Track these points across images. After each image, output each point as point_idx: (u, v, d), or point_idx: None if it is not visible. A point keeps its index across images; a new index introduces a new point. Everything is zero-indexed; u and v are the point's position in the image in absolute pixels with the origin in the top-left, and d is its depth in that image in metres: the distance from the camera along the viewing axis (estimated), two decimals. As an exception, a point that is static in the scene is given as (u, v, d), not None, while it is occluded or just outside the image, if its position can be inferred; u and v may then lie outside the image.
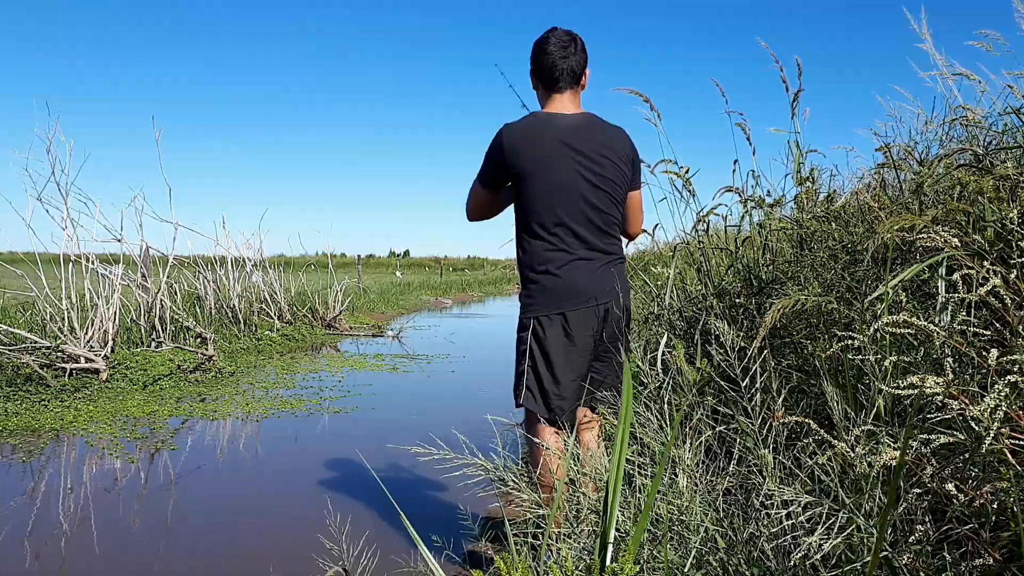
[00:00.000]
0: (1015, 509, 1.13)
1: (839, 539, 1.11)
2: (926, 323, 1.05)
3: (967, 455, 1.15)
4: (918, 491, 1.22)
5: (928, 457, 1.19)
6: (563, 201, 2.10)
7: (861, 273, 2.01)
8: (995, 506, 1.13)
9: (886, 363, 1.17)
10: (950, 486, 1.10)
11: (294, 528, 2.73)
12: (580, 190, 2.10)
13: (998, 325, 1.20)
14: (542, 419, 2.11)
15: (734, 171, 2.79)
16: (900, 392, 0.98)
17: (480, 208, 2.32)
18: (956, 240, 1.21)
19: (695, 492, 1.43)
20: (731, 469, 1.50)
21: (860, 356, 1.32)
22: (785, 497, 1.14)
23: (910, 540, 1.19)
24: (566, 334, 2.09)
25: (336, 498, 2.95)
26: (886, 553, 1.18)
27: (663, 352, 2.09)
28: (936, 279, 1.48)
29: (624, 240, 2.35)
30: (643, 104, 2.64)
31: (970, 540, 1.17)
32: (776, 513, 1.23)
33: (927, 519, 1.20)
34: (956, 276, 1.18)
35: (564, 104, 2.17)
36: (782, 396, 1.48)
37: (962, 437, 1.08)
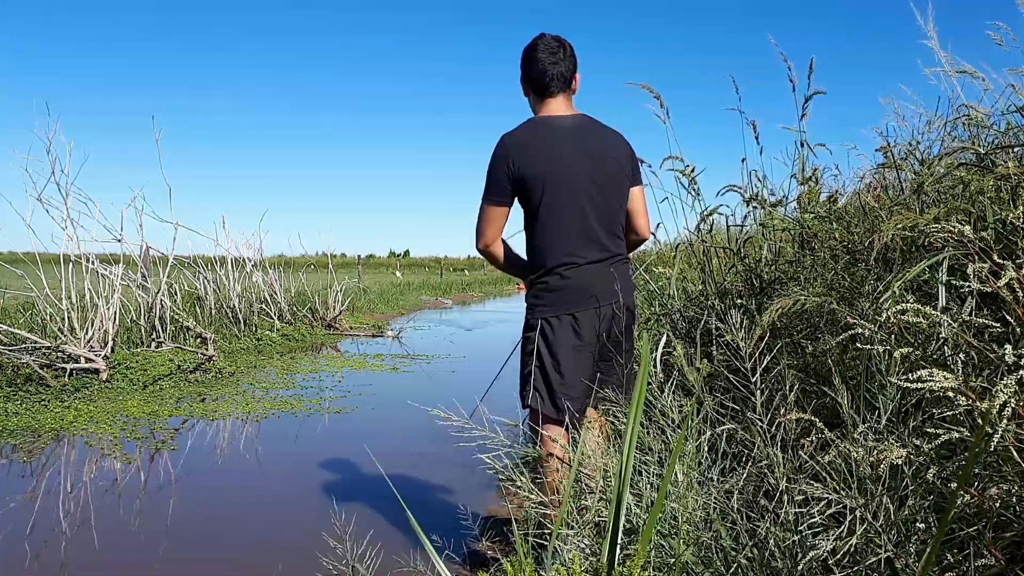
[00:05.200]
0: (1018, 508, 1.12)
1: (853, 540, 1.11)
2: (935, 313, 1.04)
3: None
4: (921, 490, 1.22)
5: (932, 456, 1.19)
6: (569, 202, 2.10)
7: (862, 273, 2.01)
8: (998, 505, 1.13)
9: (896, 354, 1.16)
10: (954, 485, 1.09)
11: (294, 528, 2.72)
12: (585, 190, 2.10)
13: (1008, 318, 1.19)
14: (549, 419, 2.11)
15: (743, 170, 2.79)
16: (909, 386, 0.97)
17: (495, 228, 2.19)
18: (968, 230, 1.21)
19: (699, 489, 1.43)
20: (736, 467, 1.50)
21: (868, 347, 1.31)
22: (814, 492, 1.14)
23: (912, 540, 1.19)
24: (576, 334, 2.10)
25: (336, 498, 2.95)
26: (888, 554, 1.17)
27: (663, 352, 2.09)
28: (936, 280, 1.48)
29: (634, 241, 2.33)
30: (650, 101, 2.64)
31: (973, 540, 1.17)
32: (785, 514, 1.22)
33: (930, 519, 1.20)
34: (969, 269, 1.17)
35: (558, 107, 2.17)
36: (793, 393, 1.47)
37: (967, 434, 1.08)
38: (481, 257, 2.33)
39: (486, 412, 1.71)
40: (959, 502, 1.12)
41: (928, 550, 0.98)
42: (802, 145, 2.55)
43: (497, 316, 12.60)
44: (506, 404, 2.56)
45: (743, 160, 2.72)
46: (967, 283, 1.16)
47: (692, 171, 2.65)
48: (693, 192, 2.71)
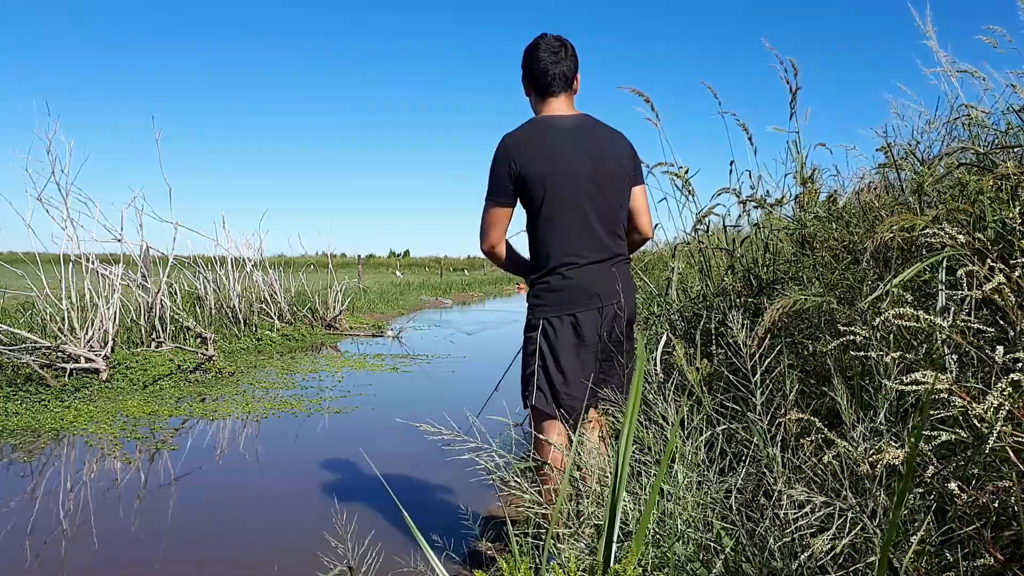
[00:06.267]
0: (1016, 508, 1.12)
1: (847, 539, 1.11)
2: (931, 317, 1.05)
3: (969, 453, 1.14)
4: (920, 490, 1.22)
5: (930, 456, 1.19)
6: (570, 202, 2.10)
7: (862, 273, 2.01)
8: (996, 505, 1.13)
9: (887, 359, 1.16)
10: (952, 485, 1.09)
11: (294, 528, 2.72)
12: (586, 189, 2.10)
13: (1002, 323, 1.19)
14: (551, 418, 2.11)
15: (731, 172, 2.80)
16: (905, 388, 0.97)
17: (499, 229, 2.18)
18: (962, 237, 1.21)
19: (699, 489, 1.43)
20: (735, 467, 1.50)
21: (863, 352, 1.31)
22: (801, 498, 1.14)
23: (912, 540, 1.19)
24: (576, 334, 2.10)
25: (336, 498, 2.95)
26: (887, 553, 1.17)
27: (663, 352, 2.09)
28: (936, 281, 1.48)
29: (637, 240, 2.34)
30: (644, 104, 2.65)
31: (971, 540, 1.17)
32: (784, 514, 1.22)
33: (929, 519, 1.20)
34: (960, 272, 1.17)
35: (560, 107, 2.17)
36: (793, 393, 1.47)
37: (964, 435, 1.08)
38: (481, 257, 2.33)
39: (478, 424, 1.72)
40: (958, 502, 1.12)
41: (891, 522, 0.99)
42: (796, 145, 2.56)
43: (498, 316, 12.60)
44: (506, 402, 2.56)
45: (731, 163, 2.73)
46: (960, 289, 1.16)
47: (686, 173, 2.65)
48: (687, 193, 2.72)
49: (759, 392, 1.49)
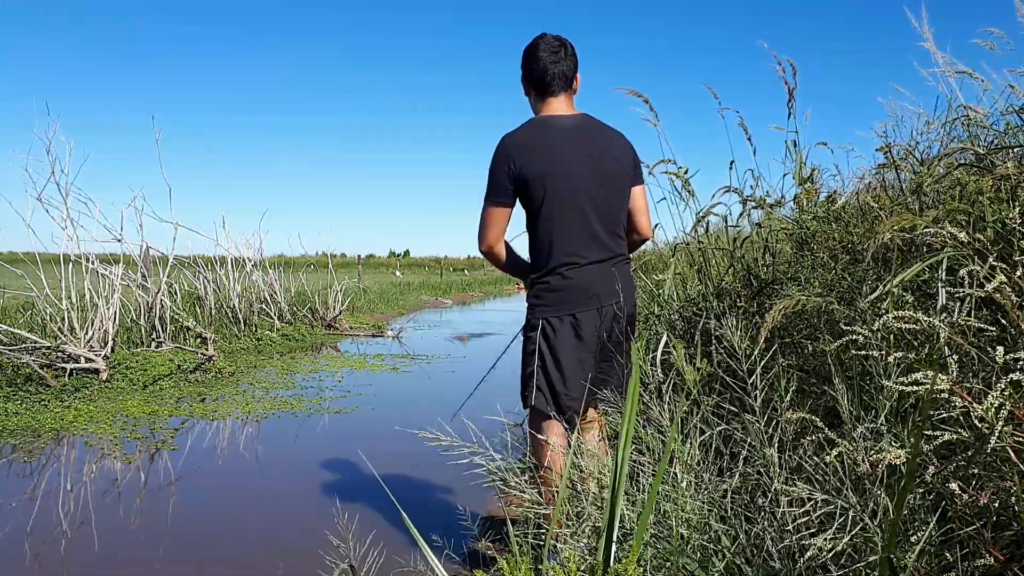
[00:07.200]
0: (1016, 508, 1.13)
1: (846, 539, 1.11)
2: (931, 319, 1.05)
3: (970, 454, 1.15)
4: (920, 490, 1.22)
5: (930, 456, 1.19)
6: (570, 202, 2.10)
7: (861, 273, 2.01)
8: (996, 505, 1.13)
9: (890, 359, 1.17)
10: (953, 485, 1.09)
11: (295, 528, 2.72)
12: (586, 189, 2.10)
13: (1004, 322, 1.20)
14: (550, 418, 2.11)
15: (731, 170, 2.81)
16: (906, 388, 0.98)
17: (498, 230, 2.17)
18: (963, 235, 1.21)
19: (697, 490, 1.43)
20: (734, 468, 1.50)
21: (864, 352, 1.32)
22: (800, 495, 1.14)
23: (912, 540, 1.19)
24: (576, 334, 2.10)
25: (336, 498, 2.95)
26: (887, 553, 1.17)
27: (662, 352, 2.09)
28: (936, 280, 1.48)
29: (637, 241, 2.34)
30: (642, 104, 2.65)
31: (971, 540, 1.17)
32: (782, 513, 1.23)
33: (930, 519, 1.20)
34: (962, 272, 1.17)
35: (560, 107, 2.17)
36: (790, 394, 1.48)
37: (966, 435, 1.08)
38: (481, 257, 2.33)
39: (473, 427, 1.72)
40: (959, 502, 1.12)
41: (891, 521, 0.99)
42: (795, 145, 2.56)
43: (501, 317, 12.59)
44: (505, 403, 2.56)
45: (731, 162, 2.73)
46: (962, 288, 1.16)
47: (686, 173, 2.65)
48: (688, 193, 2.72)
49: (757, 393, 1.49)
